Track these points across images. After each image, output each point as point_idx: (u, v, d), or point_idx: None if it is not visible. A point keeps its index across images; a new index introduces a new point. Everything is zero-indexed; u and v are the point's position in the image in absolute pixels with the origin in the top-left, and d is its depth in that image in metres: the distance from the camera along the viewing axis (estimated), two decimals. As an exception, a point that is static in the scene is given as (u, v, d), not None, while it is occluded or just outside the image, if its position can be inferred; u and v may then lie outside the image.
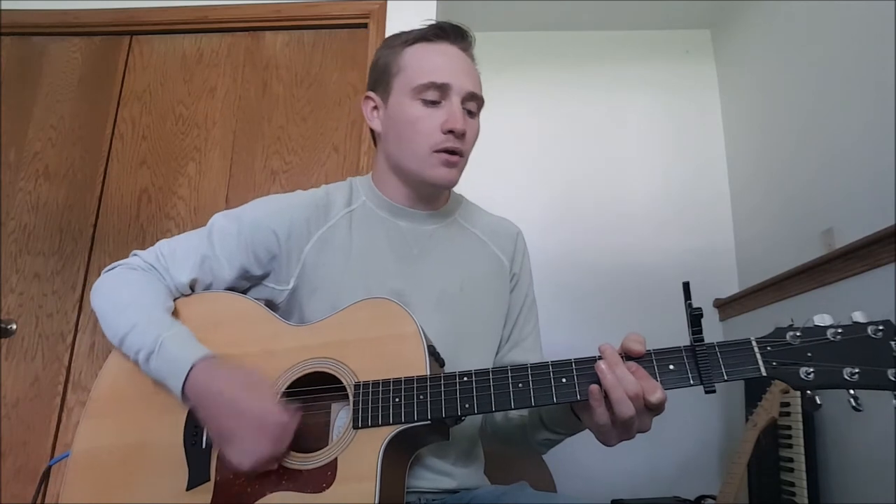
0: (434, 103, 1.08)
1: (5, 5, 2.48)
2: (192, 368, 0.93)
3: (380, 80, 1.15)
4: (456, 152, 1.08)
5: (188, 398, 0.94)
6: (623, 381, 0.81)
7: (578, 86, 3.07)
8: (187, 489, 0.92)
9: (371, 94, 1.17)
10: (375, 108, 1.17)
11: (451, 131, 1.06)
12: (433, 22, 1.15)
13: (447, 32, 1.12)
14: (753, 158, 2.71)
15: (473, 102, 1.11)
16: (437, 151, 1.07)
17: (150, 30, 2.48)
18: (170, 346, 0.96)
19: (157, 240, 1.14)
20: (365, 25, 2.39)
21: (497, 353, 1.19)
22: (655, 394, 0.81)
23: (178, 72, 2.44)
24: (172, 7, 2.46)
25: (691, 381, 0.83)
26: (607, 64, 3.09)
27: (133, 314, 1.01)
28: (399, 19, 2.34)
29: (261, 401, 0.90)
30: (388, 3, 2.39)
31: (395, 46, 1.14)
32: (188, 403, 0.95)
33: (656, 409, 0.82)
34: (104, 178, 2.34)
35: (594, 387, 0.83)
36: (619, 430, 0.84)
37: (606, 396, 0.82)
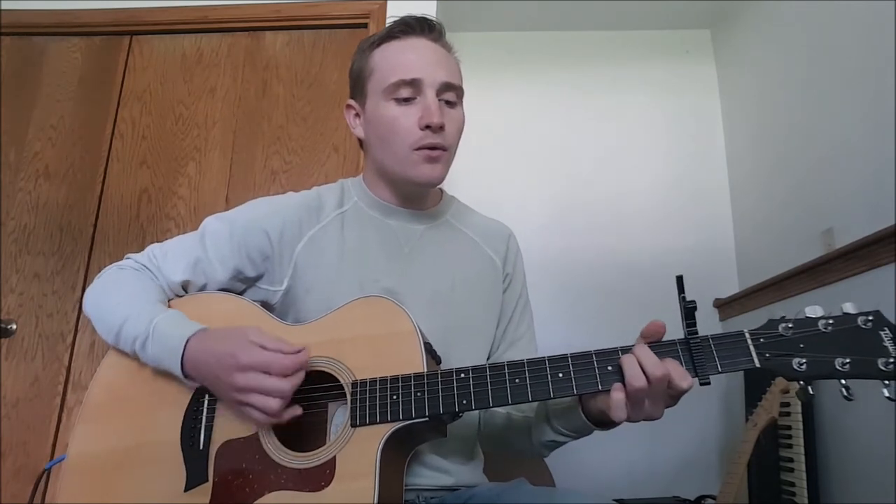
0: (408, 100, 1.06)
1: (5, 5, 2.48)
2: (186, 344, 0.94)
3: (356, 86, 1.14)
4: (437, 147, 1.06)
5: (190, 375, 0.95)
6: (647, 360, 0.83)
7: (578, 86, 3.07)
8: (185, 490, 0.92)
9: (351, 101, 1.16)
10: (357, 115, 1.16)
11: (427, 126, 1.04)
12: (398, 21, 1.11)
13: (412, 26, 1.09)
14: (753, 158, 2.71)
15: (451, 93, 1.08)
16: (418, 149, 1.05)
17: (150, 30, 2.48)
18: (162, 328, 0.97)
19: (158, 240, 1.15)
20: (365, 25, 2.39)
21: (492, 354, 1.19)
22: (686, 380, 0.82)
23: (178, 72, 2.44)
24: (172, 7, 2.47)
25: None
26: (607, 64, 3.09)
27: (126, 308, 1.02)
28: (399, 19, 2.33)
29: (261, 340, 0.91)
30: (388, 3, 2.39)
31: (365, 50, 1.12)
32: (191, 382, 0.96)
33: (677, 396, 0.85)
34: (104, 178, 2.34)
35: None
36: (632, 403, 0.85)
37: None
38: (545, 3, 2.95)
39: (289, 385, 0.88)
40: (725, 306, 2.71)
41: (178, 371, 0.95)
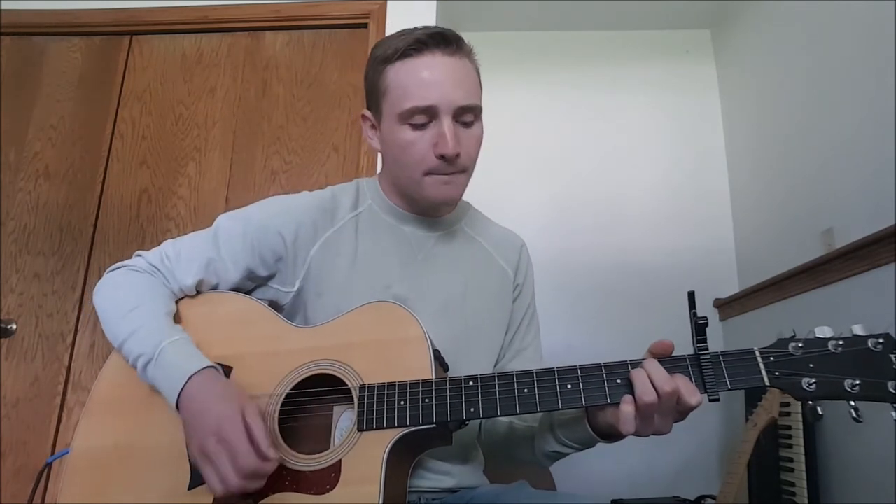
0: (424, 125, 1.02)
1: (5, 5, 2.47)
2: (187, 381, 0.92)
3: (371, 99, 1.11)
4: (453, 172, 1.05)
5: (180, 411, 0.93)
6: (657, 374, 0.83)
7: (578, 86, 3.07)
8: (189, 489, 0.92)
9: (367, 113, 1.14)
10: (373, 126, 1.13)
11: (442, 156, 1.02)
12: (411, 31, 1.05)
13: (426, 43, 1.02)
14: (753, 158, 2.71)
15: (468, 114, 1.05)
16: (433, 174, 1.04)
17: (150, 30, 2.48)
18: (168, 355, 0.95)
19: (158, 240, 1.14)
20: (365, 25, 2.39)
21: (498, 363, 1.19)
22: (695, 396, 0.83)
23: (178, 72, 2.44)
24: (172, 7, 2.46)
25: None
26: (607, 64, 3.09)
27: (134, 319, 1.00)
28: (399, 19, 2.34)
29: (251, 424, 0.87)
30: (388, 3, 2.39)
31: (378, 65, 1.07)
32: (181, 415, 0.94)
33: (685, 411, 0.85)
34: (104, 178, 2.34)
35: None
36: (642, 417, 0.85)
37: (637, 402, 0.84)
38: (545, 3, 2.95)
39: (237, 484, 0.84)
40: (725, 306, 2.71)
41: (172, 403, 0.93)
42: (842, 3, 2.08)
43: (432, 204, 1.10)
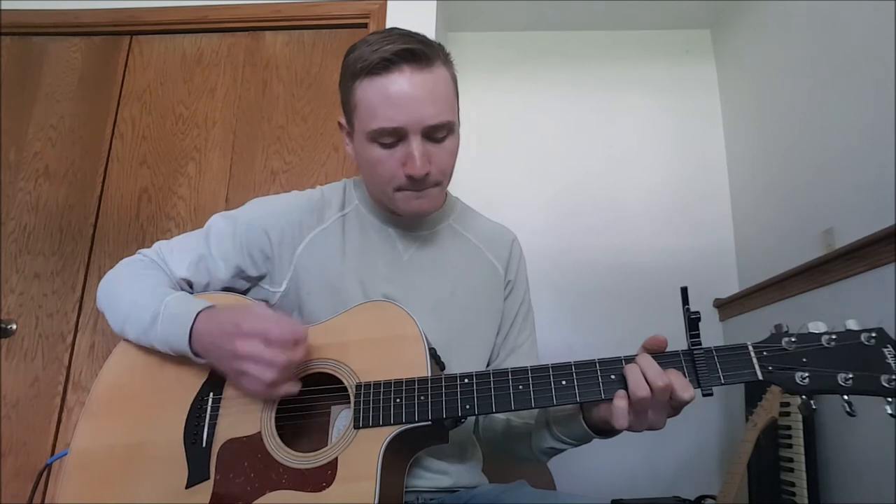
0: (392, 144, 1.00)
1: (5, 5, 2.48)
2: (195, 319, 0.95)
3: (344, 110, 1.09)
4: (423, 188, 1.04)
5: (197, 351, 0.95)
6: (650, 369, 0.84)
7: (578, 86, 3.07)
8: (186, 487, 0.92)
9: (342, 121, 1.13)
10: (349, 133, 1.11)
11: (410, 176, 1.01)
12: (382, 41, 1.00)
13: (392, 61, 0.97)
14: (753, 158, 2.71)
15: (440, 131, 1.01)
16: (403, 190, 1.04)
17: (150, 30, 2.48)
18: (173, 306, 0.98)
19: (158, 240, 1.16)
20: (365, 25, 2.39)
21: (491, 362, 1.19)
22: (688, 391, 0.83)
23: (178, 72, 2.44)
24: (172, 7, 2.47)
25: None
26: (607, 64, 3.09)
27: (137, 292, 1.04)
28: (399, 19, 2.34)
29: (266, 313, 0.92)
30: (388, 3, 2.39)
31: (348, 79, 1.03)
32: (199, 359, 0.97)
33: (679, 406, 0.85)
34: (104, 178, 2.34)
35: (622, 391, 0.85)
36: (635, 412, 0.85)
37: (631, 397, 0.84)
38: (545, 3, 2.95)
39: (285, 358, 0.87)
40: (725, 306, 2.71)
41: (185, 346, 0.95)
42: (842, 3, 2.08)
43: (407, 216, 1.11)
